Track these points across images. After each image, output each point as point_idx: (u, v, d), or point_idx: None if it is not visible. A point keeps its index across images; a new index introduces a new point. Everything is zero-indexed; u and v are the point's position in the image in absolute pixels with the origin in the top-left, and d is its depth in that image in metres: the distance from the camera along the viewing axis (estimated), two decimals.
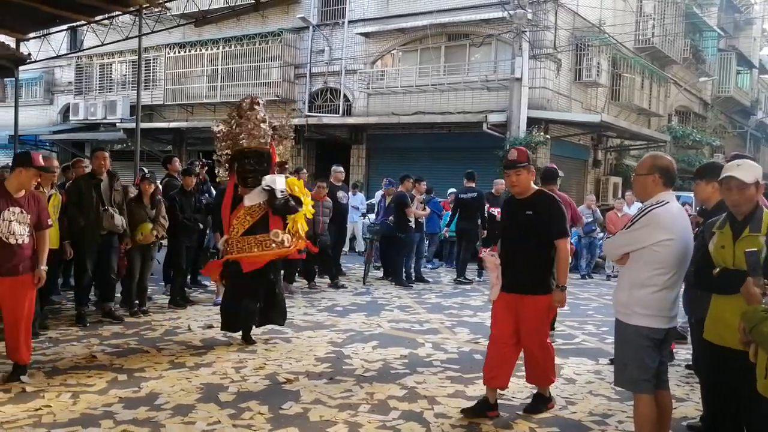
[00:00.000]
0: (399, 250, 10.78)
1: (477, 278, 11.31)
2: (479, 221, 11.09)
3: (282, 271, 7.37)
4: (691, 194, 10.44)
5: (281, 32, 19.26)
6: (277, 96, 19.19)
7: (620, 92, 18.59)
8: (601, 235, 12.56)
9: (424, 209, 11.31)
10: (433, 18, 16.75)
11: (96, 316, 7.34)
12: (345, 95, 18.84)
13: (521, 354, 4.65)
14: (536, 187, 4.67)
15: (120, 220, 7.16)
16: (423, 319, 7.96)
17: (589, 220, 12.27)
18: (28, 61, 13.74)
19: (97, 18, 12.54)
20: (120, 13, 11.95)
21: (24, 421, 4.18)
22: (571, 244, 7.58)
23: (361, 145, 18.79)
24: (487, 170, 13.72)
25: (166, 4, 12.30)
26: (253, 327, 6.55)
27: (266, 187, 6.20)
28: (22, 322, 4.98)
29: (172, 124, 20.69)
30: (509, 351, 4.56)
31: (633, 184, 3.96)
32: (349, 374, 5.47)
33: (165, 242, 8.33)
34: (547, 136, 15.36)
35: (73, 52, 20.60)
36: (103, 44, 14.00)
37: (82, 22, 12.70)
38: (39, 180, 5.41)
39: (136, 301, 7.71)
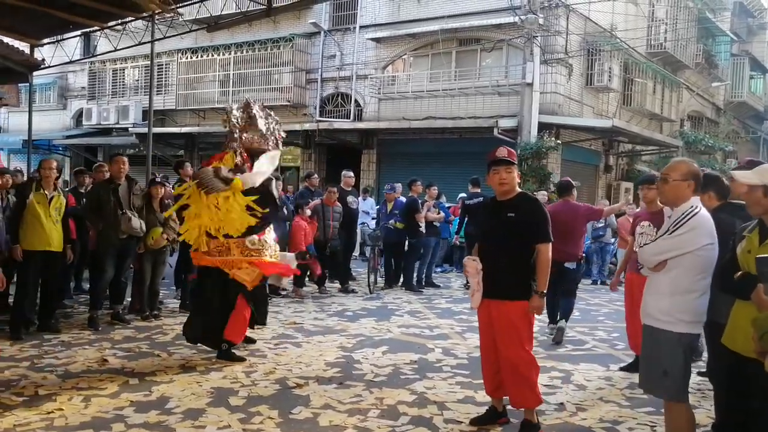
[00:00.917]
0: (409, 255, 10.76)
1: None
2: None
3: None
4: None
5: (293, 37, 19.34)
6: (288, 101, 19.28)
7: (632, 97, 18.52)
8: (613, 240, 12.51)
9: (437, 213, 11.31)
10: (444, 23, 16.75)
11: (106, 319, 7.39)
12: (356, 100, 18.88)
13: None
14: (519, 190, 4.45)
15: (138, 223, 7.24)
16: (433, 325, 7.96)
17: (600, 224, 12.22)
18: (42, 66, 13.83)
19: (111, 24, 12.61)
20: (133, 18, 12.00)
21: (36, 424, 4.21)
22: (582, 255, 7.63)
23: (372, 150, 18.81)
24: None
25: (178, 9, 12.36)
26: (260, 330, 6.55)
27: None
28: None
29: (184, 129, 20.79)
30: (497, 362, 4.38)
31: (660, 188, 3.84)
32: (359, 379, 5.48)
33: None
34: (558, 141, 15.33)
35: (87, 58, 20.77)
36: (116, 49, 14.06)
37: (96, 27, 12.78)
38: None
39: (147, 306, 7.75)
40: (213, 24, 13.23)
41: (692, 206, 3.64)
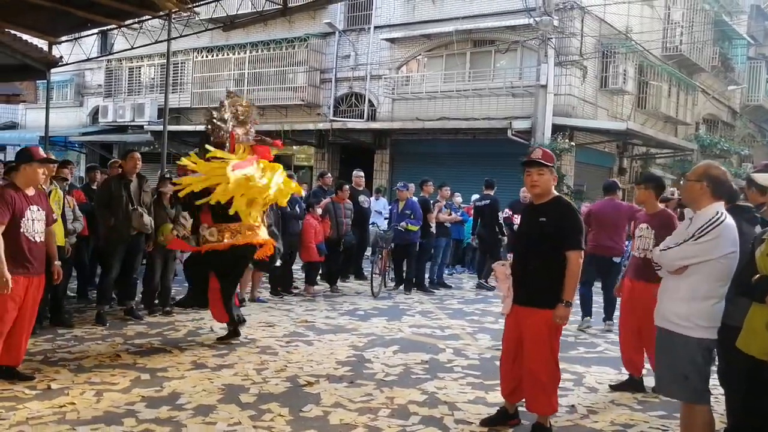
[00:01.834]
0: (421, 255, 10.75)
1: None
2: (496, 227, 11.08)
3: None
4: None
5: (308, 37, 19.38)
6: (303, 100, 19.33)
7: (647, 100, 18.40)
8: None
9: (450, 214, 11.28)
10: (458, 24, 16.73)
11: (119, 315, 7.44)
12: (370, 100, 18.88)
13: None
14: (556, 194, 4.35)
15: (149, 220, 7.27)
16: (444, 325, 7.95)
17: None
18: (59, 63, 13.99)
19: (128, 22, 12.74)
20: (150, 17, 12.12)
21: (48, 418, 4.25)
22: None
23: (385, 150, 18.82)
24: (511, 177, 13.61)
25: (195, 9, 12.44)
26: (271, 328, 6.59)
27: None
28: (33, 322, 5.08)
29: (199, 127, 20.81)
30: (518, 368, 4.35)
31: (682, 188, 3.93)
32: (370, 378, 5.48)
33: None
34: (572, 143, 15.25)
35: (104, 56, 20.90)
36: (132, 48, 14.20)
37: (113, 26, 12.91)
38: (46, 172, 5.34)
39: (156, 301, 7.80)
40: (229, 23, 13.33)
41: (718, 212, 3.63)
